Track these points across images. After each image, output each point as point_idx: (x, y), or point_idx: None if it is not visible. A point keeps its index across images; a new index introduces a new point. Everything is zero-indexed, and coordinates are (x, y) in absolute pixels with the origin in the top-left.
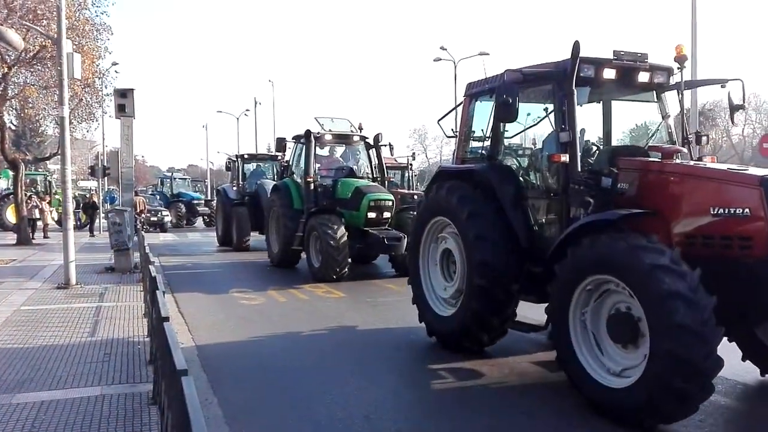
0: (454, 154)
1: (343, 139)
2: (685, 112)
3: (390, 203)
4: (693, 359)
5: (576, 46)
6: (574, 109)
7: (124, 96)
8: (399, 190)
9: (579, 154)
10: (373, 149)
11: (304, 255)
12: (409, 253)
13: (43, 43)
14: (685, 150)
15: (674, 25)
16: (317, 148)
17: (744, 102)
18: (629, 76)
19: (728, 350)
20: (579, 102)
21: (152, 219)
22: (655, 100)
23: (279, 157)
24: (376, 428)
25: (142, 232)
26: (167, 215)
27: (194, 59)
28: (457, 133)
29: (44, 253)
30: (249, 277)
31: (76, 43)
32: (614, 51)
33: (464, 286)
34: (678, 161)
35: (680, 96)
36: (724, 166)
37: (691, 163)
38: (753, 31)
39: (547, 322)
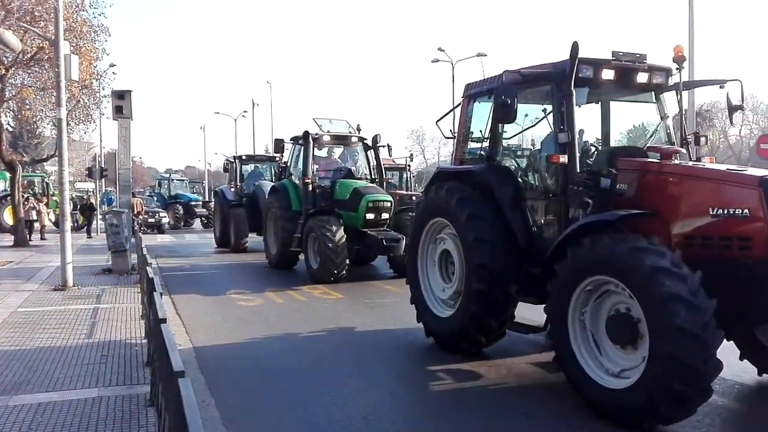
0: (452, 155)
1: (341, 140)
2: (683, 112)
3: (388, 204)
4: (693, 362)
5: (575, 47)
6: (572, 110)
7: (121, 97)
8: (397, 191)
9: (578, 154)
10: (372, 150)
11: (302, 256)
12: (407, 254)
13: (41, 45)
14: (683, 151)
15: (671, 26)
16: (315, 149)
17: (743, 103)
18: (628, 77)
19: (726, 350)
20: (577, 103)
21: (150, 220)
22: (654, 100)
23: (277, 159)
24: (374, 429)
25: (140, 233)
26: (165, 217)
27: (192, 61)
28: (456, 134)
29: (41, 254)
30: (247, 278)
31: (74, 44)
32: (613, 52)
33: (463, 287)
34: (677, 162)
35: (679, 97)
36: (723, 167)
37: (690, 163)
38: (750, 33)
39: (545, 323)
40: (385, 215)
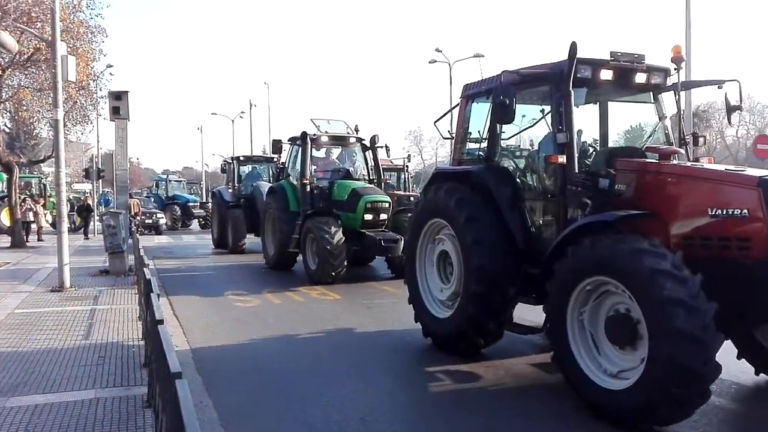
0: (450, 155)
1: (339, 140)
2: (681, 113)
3: (387, 205)
4: (692, 365)
5: (573, 47)
6: (571, 110)
7: (118, 98)
8: (395, 191)
9: (576, 155)
10: (370, 151)
11: (300, 257)
12: (405, 254)
13: (38, 46)
14: (682, 151)
15: (668, 26)
16: (313, 149)
17: (741, 103)
18: (626, 77)
19: (723, 350)
20: (576, 103)
21: (147, 221)
22: (652, 101)
23: (275, 159)
24: (372, 430)
25: (137, 234)
26: (162, 218)
27: (189, 61)
28: (454, 135)
29: (38, 256)
30: (244, 279)
31: (71, 45)
32: (611, 52)
33: (461, 289)
34: (675, 162)
35: (677, 97)
36: (721, 167)
37: (689, 164)
38: (747, 33)
39: (544, 324)
40: (383, 216)
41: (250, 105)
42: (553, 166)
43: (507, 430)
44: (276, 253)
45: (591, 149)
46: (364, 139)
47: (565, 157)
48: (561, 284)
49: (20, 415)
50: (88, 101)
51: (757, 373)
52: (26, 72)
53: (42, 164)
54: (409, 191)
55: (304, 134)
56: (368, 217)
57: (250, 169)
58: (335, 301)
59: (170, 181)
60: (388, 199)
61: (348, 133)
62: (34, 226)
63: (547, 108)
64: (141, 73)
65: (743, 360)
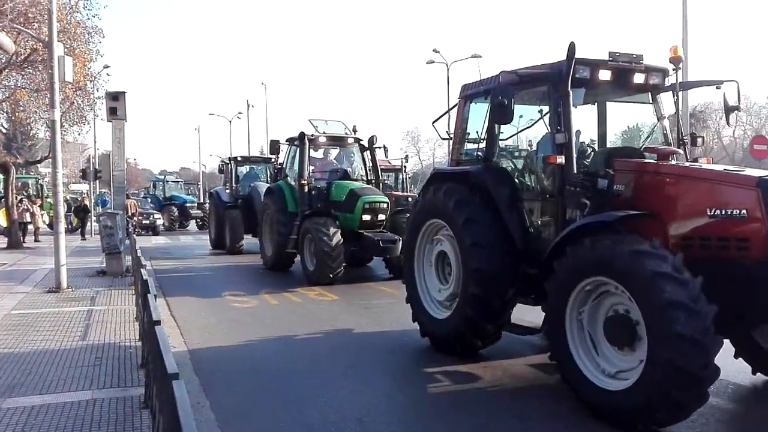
0: (449, 156)
1: (337, 141)
2: (680, 113)
3: (385, 206)
4: (692, 369)
5: (571, 48)
6: (569, 111)
7: (115, 99)
8: (393, 192)
9: (575, 155)
10: (368, 151)
11: (298, 258)
12: (403, 254)
13: (34, 46)
14: (680, 151)
15: (665, 27)
16: (311, 150)
17: (739, 103)
18: (624, 78)
19: (721, 350)
20: (574, 103)
21: (144, 222)
22: (651, 101)
23: (272, 160)
24: (369, 431)
25: (134, 235)
26: (159, 218)
27: (186, 62)
28: (452, 136)
29: (35, 256)
30: (242, 280)
31: (68, 46)
32: (610, 52)
33: (459, 290)
34: (674, 162)
35: (676, 97)
36: (720, 167)
37: (687, 164)
38: (744, 34)
39: (542, 324)
40: (381, 216)
41: (248, 105)
42: (552, 167)
43: (505, 431)
44: (274, 253)
45: (589, 150)
46: (362, 140)
47: (563, 157)
48: (560, 284)
49: (17, 416)
50: (85, 102)
51: (754, 373)
52: (23, 73)
53: (39, 165)
54: (406, 192)
55: (302, 135)
56: (366, 217)
57: (247, 170)
58: (333, 301)
59: (168, 181)
60: (387, 199)
61: (346, 133)
62: (30, 226)
63: (546, 108)
64: (138, 74)
65: (740, 360)
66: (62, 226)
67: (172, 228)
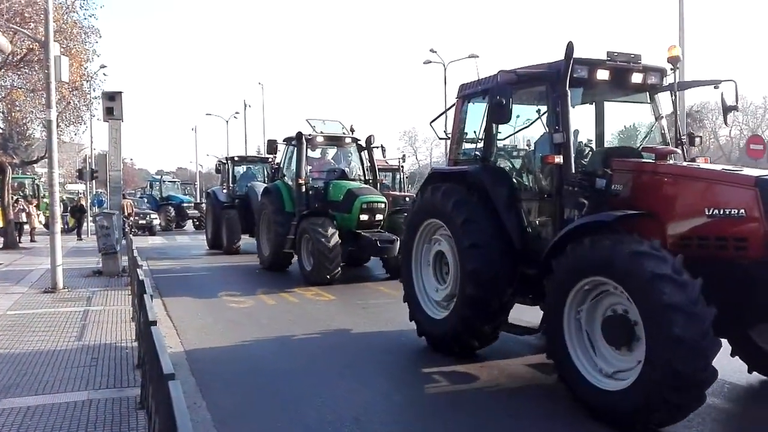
0: (446, 155)
1: (334, 141)
2: (677, 113)
3: (382, 205)
4: (690, 371)
5: (570, 47)
6: (568, 110)
7: (112, 99)
8: (390, 192)
9: (573, 155)
10: (366, 151)
11: (295, 258)
12: (401, 253)
13: (31, 46)
14: (678, 151)
15: (661, 26)
16: (309, 150)
17: (737, 103)
18: (622, 77)
19: None
20: (572, 103)
21: (141, 222)
22: (649, 101)
23: (270, 160)
24: (366, 430)
25: (130, 235)
26: (156, 218)
27: (183, 62)
28: (450, 135)
29: (31, 257)
30: (238, 280)
31: (64, 46)
32: (608, 52)
33: (457, 291)
34: (672, 162)
35: (673, 97)
36: (718, 167)
37: (685, 164)
38: (740, 34)
39: (540, 324)
40: (379, 216)
41: (245, 105)
42: (550, 167)
43: (502, 431)
44: (271, 253)
45: (587, 149)
46: (359, 140)
47: (561, 157)
48: (559, 283)
49: (12, 417)
50: (81, 102)
51: (750, 371)
52: (19, 72)
53: (35, 165)
54: (404, 191)
55: (299, 134)
56: (364, 217)
57: (244, 170)
58: (330, 301)
59: (164, 181)
60: (384, 199)
61: (343, 133)
62: (27, 227)
63: (544, 108)
64: (135, 74)
65: (737, 359)
66: (58, 226)
67: (168, 228)
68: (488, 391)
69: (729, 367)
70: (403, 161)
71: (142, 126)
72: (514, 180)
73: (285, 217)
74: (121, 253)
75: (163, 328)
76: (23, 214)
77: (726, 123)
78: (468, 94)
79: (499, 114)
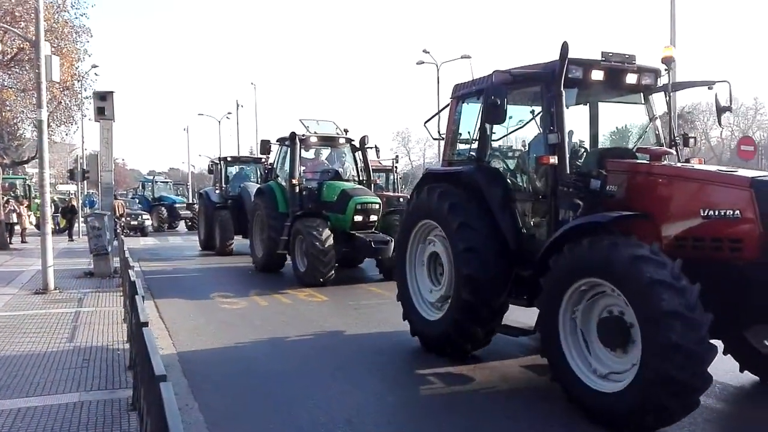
0: (440, 156)
1: (328, 141)
2: (671, 114)
3: (377, 206)
4: (685, 378)
5: (564, 47)
6: (562, 111)
7: (103, 99)
8: (385, 192)
9: (567, 156)
10: (359, 152)
11: (288, 260)
12: (396, 253)
13: (21, 46)
14: (673, 152)
15: (653, 27)
16: (302, 150)
17: (731, 104)
18: (617, 78)
19: None
20: (567, 104)
21: (132, 223)
22: (643, 102)
23: (263, 160)
24: None
25: (122, 236)
26: (148, 219)
27: (175, 62)
28: (444, 136)
29: (22, 258)
30: (231, 281)
31: (55, 45)
32: (602, 52)
33: (451, 294)
34: (666, 163)
35: (668, 98)
36: (713, 168)
37: (680, 164)
38: (732, 34)
39: (535, 325)
40: (373, 217)
41: (237, 105)
42: (544, 167)
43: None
44: (264, 254)
45: (582, 150)
46: (353, 140)
47: (556, 157)
48: (556, 282)
49: (2, 419)
50: (72, 102)
51: (741, 371)
52: (10, 72)
53: (26, 165)
54: (398, 192)
55: (293, 135)
56: (358, 218)
57: (237, 170)
58: (323, 302)
59: (156, 182)
60: (379, 200)
61: (337, 133)
62: (17, 227)
63: (538, 108)
64: (126, 74)
65: (729, 360)
66: (49, 227)
67: (160, 229)
68: (483, 392)
69: (721, 367)
70: (397, 162)
71: (133, 126)
72: (509, 180)
73: (278, 218)
74: (112, 254)
75: (154, 330)
76: (14, 215)
77: (720, 124)
78: (462, 94)
79: (493, 114)
